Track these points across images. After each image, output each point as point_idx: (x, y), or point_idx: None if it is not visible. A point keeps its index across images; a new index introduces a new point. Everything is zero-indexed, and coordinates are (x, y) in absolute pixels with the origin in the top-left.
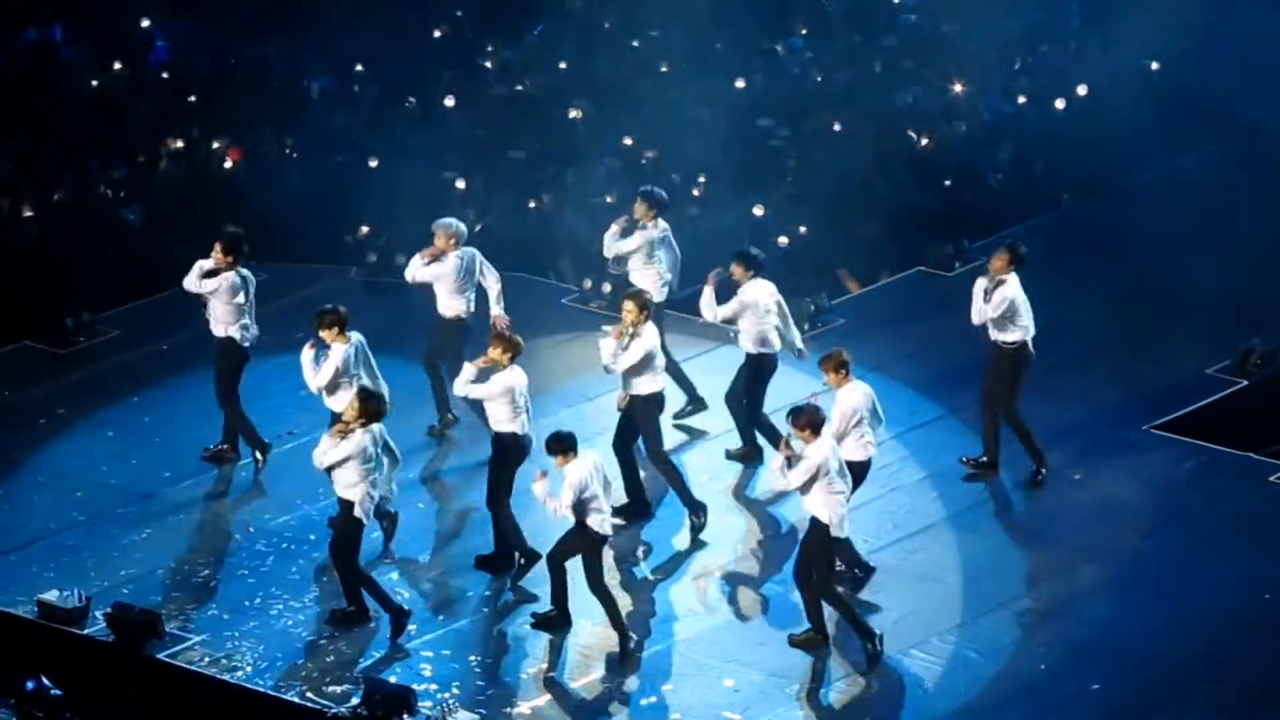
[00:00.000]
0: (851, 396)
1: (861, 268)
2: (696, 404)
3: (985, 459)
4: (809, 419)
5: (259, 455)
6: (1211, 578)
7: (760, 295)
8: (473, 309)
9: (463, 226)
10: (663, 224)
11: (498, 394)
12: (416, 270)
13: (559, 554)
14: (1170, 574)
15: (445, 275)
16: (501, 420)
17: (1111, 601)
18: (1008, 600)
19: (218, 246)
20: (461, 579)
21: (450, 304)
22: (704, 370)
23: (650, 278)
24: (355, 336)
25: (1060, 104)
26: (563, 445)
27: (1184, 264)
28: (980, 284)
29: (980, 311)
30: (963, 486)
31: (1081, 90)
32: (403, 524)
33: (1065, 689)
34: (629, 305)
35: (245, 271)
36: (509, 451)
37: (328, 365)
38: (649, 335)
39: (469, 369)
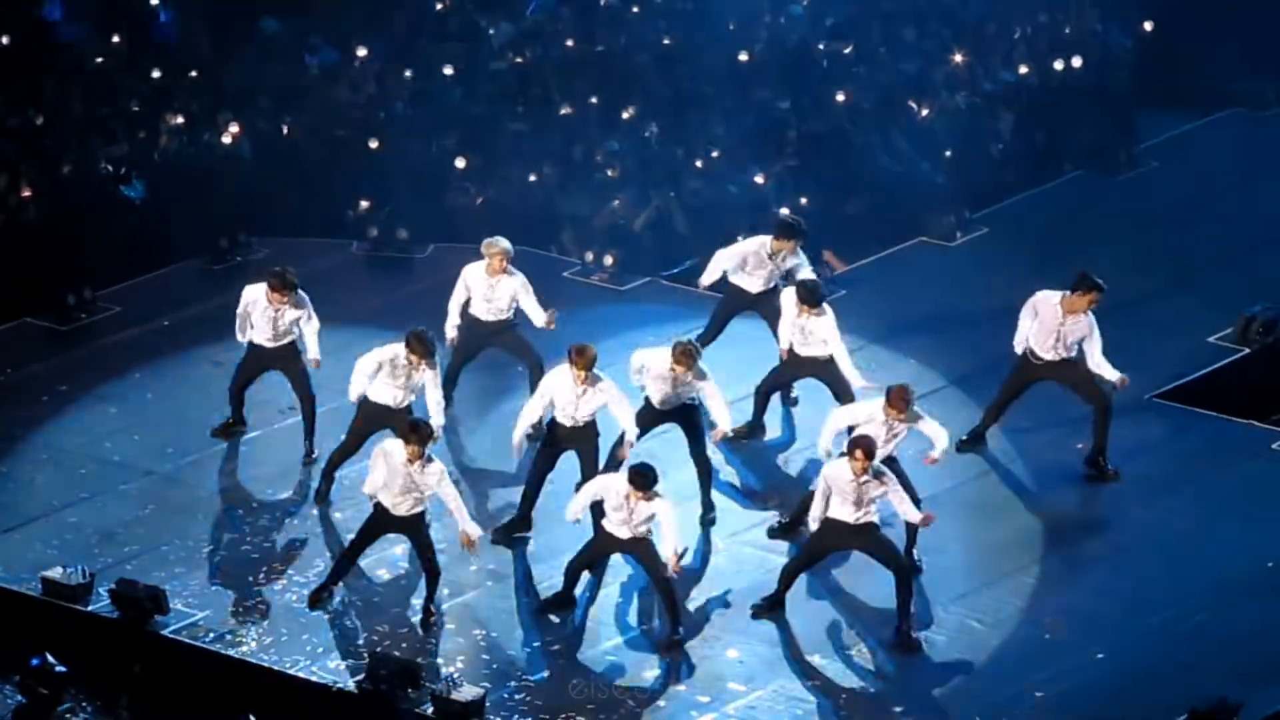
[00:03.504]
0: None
1: (862, 239)
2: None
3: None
4: (865, 448)
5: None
6: (1215, 546)
7: None
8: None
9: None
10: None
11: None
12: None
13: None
14: (1173, 543)
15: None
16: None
17: (1115, 570)
18: (1011, 570)
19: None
20: (467, 553)
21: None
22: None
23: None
24: None
25: (1059, 65)
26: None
27: (1186, 232)
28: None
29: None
30: (964, 458)
31: (1076, 62)
32: None
33: (1069, 658)
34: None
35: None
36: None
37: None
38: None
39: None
